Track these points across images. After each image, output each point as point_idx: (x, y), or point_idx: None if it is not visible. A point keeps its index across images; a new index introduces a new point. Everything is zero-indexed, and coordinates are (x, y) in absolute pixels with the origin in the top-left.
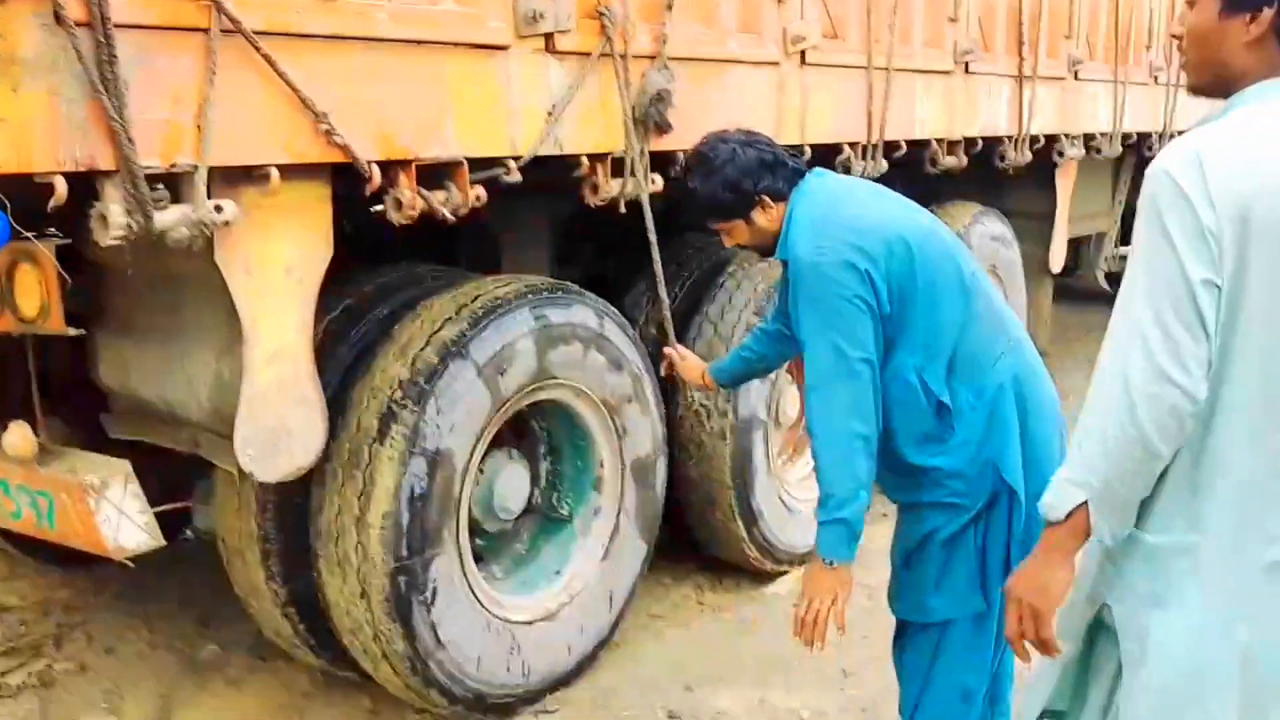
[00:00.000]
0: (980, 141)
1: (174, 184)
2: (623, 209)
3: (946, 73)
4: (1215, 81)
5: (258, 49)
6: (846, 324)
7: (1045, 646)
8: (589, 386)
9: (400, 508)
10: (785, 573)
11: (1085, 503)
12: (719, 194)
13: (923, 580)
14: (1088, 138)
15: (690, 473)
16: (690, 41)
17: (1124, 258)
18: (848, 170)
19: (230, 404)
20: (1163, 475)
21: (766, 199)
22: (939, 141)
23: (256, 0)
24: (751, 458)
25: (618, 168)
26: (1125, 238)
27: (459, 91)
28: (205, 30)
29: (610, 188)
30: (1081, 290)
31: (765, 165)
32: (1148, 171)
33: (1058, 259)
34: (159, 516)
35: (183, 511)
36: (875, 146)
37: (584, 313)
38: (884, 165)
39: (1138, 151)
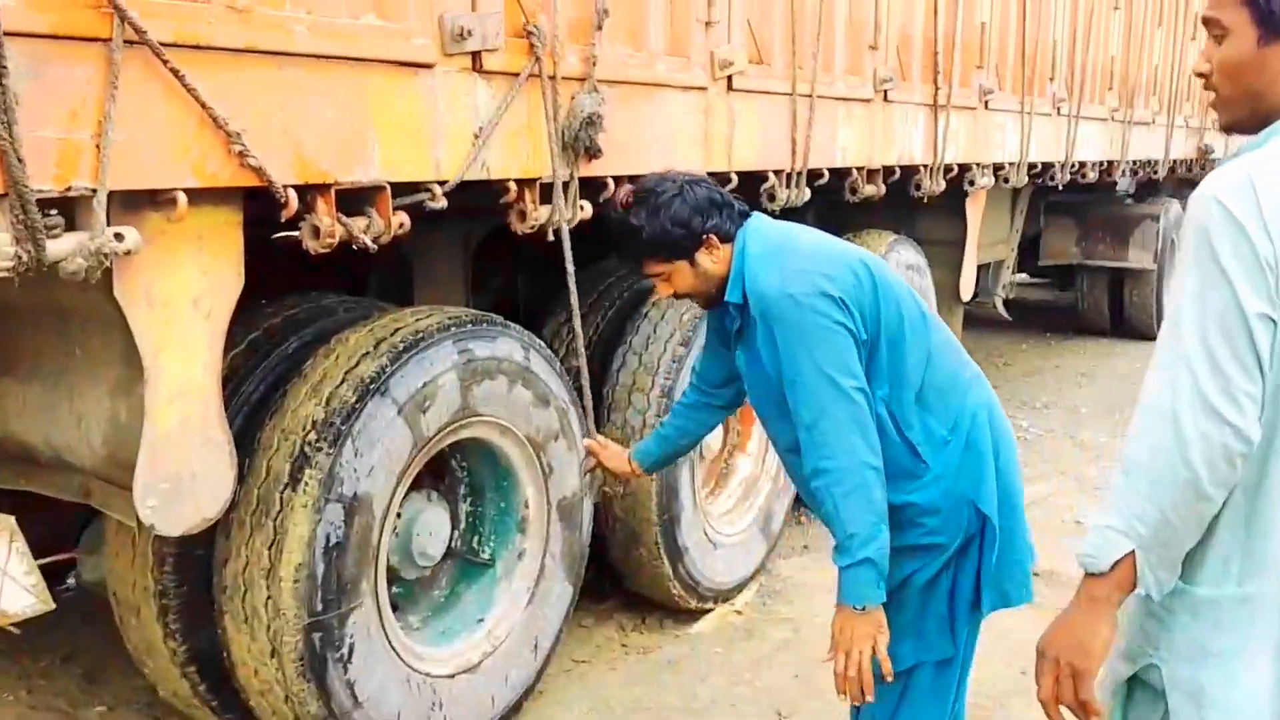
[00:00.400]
0: (898, 170)
1: (69, 209)
2: (551, 236)
3: (866, 101)
4: (1254, 114)
5: (164, 62)
6: (834, 353)
7: (1086, 710)
8: (514, 423)
9: (315, 559)
10: (709, 610)
11: (1132, 552)
12: (668, 230)
13: (899, 627)
14: (996, 167)
15: (615, 509)
16: (619, 64)
17: (1020, 285)
18: (772, 198)
19: (128, 448)
20: (1214, 520)
21: (714, 239)
22: (859, 170)
23: (163, 8)
24: (678, 493)
25: (546, 193)
26: (1021, 265)
27: (382, 112)
28: (106, 40)
29: (539, 214)
30: (981, 317)
31: (715, 204)
32: (1193, 198)
33: (968, 286)
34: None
35: (66, 563)
36: (799, 174)
37: (509, 345)
38: (807, 194)
39: (1036, 182)
